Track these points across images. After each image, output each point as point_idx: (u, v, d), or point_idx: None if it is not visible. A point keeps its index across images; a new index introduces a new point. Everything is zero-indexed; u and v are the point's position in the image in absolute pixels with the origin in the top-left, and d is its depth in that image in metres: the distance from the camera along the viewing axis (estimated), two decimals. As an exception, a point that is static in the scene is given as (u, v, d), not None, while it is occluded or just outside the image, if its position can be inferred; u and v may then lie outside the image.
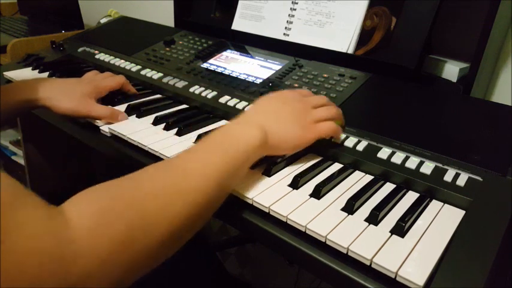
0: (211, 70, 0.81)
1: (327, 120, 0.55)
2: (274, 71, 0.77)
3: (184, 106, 0.75)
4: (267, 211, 0.47)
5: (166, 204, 0.38)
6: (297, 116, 0.53)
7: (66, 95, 0.66)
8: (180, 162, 0.43)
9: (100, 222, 0.33)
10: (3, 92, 0.65)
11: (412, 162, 0.52)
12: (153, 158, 0.59)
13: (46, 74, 0.89)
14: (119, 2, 1.44)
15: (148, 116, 0.69)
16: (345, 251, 0.41)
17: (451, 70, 0.74)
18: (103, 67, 0.91)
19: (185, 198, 0.39)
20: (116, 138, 0.64)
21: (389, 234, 0.43)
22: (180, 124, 0.65)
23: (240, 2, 0.92)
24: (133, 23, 1.13)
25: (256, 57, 0.83)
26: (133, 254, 0.35)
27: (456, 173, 0.50)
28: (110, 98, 0.73)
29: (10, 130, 1.55)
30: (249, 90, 0.72)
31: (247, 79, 0.76)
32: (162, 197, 0.38)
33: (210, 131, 0.64)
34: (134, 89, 0.78)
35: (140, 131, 0.64)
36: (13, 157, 1.48)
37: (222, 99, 0.71)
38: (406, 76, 0.69)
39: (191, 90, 0.76)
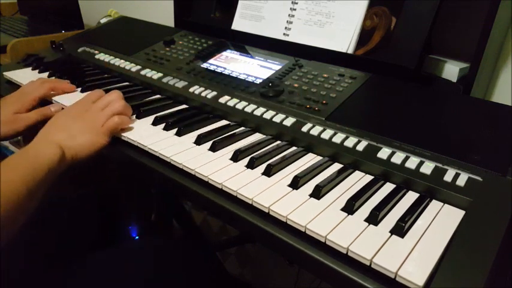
0: (211, 70, 0.81)
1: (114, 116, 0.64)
2: (274, 71, 0.77)
3: (184, 106, 0.75)
4: (267, 211, 0.47)
5: None
6: (87, 126, 0.62)
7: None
8: None
9: None
10: None
11: (412, 162, 0.52)
12: (152, 158, 0.59)
13: (46, 74, 0.89)
14: (118, 2, 1.44)
15: (148, 117, 0.69)
16: (344, 251, 0.41)
17: (451, 70, 0.74)
18: (103, 67, 0.91)
19: None
20: (115, 139, 0.64)
21: (389, 234, 0.43)
22: (180, 124, 0.65)
23: (240, 2, 0.92)
24: (133, 23, 1.13)
25: (256, 57, 0.83)
26: None
27: (456, 173, 0.50)
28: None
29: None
30: (249, 90, 0.72)
31: (247, 79, 0.76)
32: None
33: (210, 131, 0.64)
34: (69, 86, 0.79)
35: (140, 131, 0.65)
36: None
37: (222, 99, 0.71)
38: (406, 76, 0.69)
39: (191, 90, 0.76)
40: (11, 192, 0.48)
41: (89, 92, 0.70)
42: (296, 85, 0.71)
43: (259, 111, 0.66)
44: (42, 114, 0.71)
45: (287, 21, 0.84)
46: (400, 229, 0.43)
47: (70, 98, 0.76)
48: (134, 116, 0.69)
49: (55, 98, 0.76)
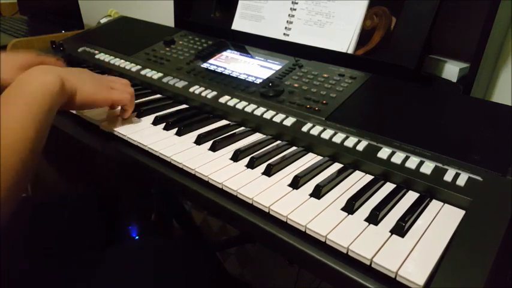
0: (211, 70, 0.81)
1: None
2: (274, 71, 0.77)
3: (184, 106, 0.75)
4: (267, 211, 0.47)
5: None
6: (95, 79, 0.62)
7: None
8: None
9: None
10: None
11: (412, 162, 0.52)
12: (153, 158, 0.59)
13: (46, 74, 0.89)
14: (118, 2, 1.44)
15: (148, 116, 0.69)
16: (345, 251, 0.41)
17: (451, 70, 0.74)
18: (103, 67, 0.91)
19: None
20: (115, 139, 0.64)
21: (389, 234, 0.43)
22: (180, 124, 0.65)
23: (240, 2, 0.92)
24: (133, 23, 1.13)
25: (256, 57, 0.83)
26: None
27: (456, 173, 0.50)
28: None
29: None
30: (249, 90, 0.72)
31: (247, 79, 0.76)
32: None
33: (210, 130, 0.64)
34: (61, 63, 0.76)
35: (140, 131, 0.65)
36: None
37: (222, 99, 0.71)
38: (406, 76, 0.69)
39: (191, 90, 0.76)
40: (20, 140, 0.44)
41: None
42: (296, 85, 0.71)
43: (259, 111, 0.67)
44: None
45: (287, 21, 0.84)
46: (400, 229, 0.43)
47: None
48: (135, 115, 0.69)
49: None
